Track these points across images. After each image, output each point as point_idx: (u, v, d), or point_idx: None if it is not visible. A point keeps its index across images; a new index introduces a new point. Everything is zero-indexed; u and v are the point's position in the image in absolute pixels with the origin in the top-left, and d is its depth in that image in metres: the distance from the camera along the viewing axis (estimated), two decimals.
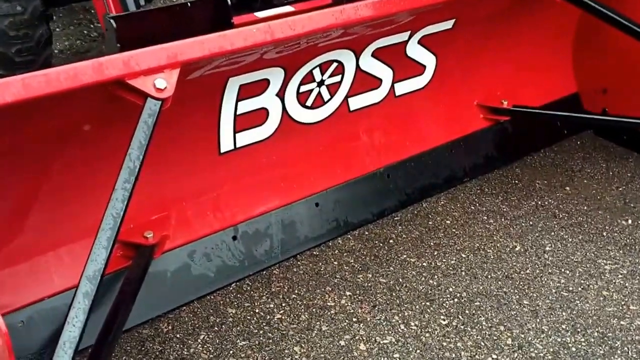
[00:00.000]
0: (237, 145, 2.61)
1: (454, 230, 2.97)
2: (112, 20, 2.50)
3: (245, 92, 2.51)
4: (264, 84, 2.55)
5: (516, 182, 3.32)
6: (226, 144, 2.58)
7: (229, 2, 2.75)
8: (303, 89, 2.69)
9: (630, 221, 3.04)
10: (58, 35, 4.82)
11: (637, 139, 3.53)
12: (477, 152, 3.35)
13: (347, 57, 2.73)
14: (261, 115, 2.64)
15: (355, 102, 2.91)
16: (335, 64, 2.72)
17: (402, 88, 3.04)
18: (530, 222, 3.02)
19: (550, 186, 3.28)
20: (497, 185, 3.29)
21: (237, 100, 2.52)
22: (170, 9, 2.66)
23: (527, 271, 2.74)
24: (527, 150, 3.54)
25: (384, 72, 2.93)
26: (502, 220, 3.04)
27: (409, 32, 2.85)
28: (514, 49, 3.35)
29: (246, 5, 3.61)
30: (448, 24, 2.97)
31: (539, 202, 3.16)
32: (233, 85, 2.45)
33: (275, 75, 2.55)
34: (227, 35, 2.11)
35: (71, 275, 2.25)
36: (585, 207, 3.12)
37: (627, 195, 3.22)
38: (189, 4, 2.66)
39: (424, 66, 3.07)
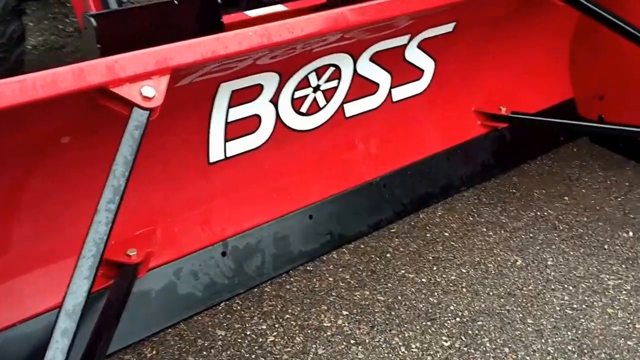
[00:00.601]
0: (228, 155, 2.44)
1: (452, 243, 2.83)
2: (92, 19, 2.31)
3: (238, 98, 2.34)
4: (257, 90, 2.39)
5: (514, 191, 3.20)
6: (216, 153, 2.41)
7: (219, 0, 2.58)
8: (298, 94, 2.53)
9: (631, 233, 2.94)
10: (31, 30, 4.60)
11: (635, 147, 3.44)
12: (475, 160, 3.22)
13: (344, 62, 2.57)
14: (253, 122, 2.47)
15: (352, 108, 2.76)
16: (332, 69, 2.56)
17: (399, 93, 2.89)
18: (531, 235, 2.89)
19: (549, 196, 3.16)
20: (495, 194, 3.16)
21: (229, 107, 2.34)
22: (155, 7, 2.48)
23: (530, 287, 2.62)
24: (524, 157, 3.42)
25: (382, 77, 2.77)
26: (502, 232, 2.91)
27: (409, 36, 2.70)
28: (512, 53, 3.23)
29: (236, 3, 3.44)
30: (449, 27, 2.83)
31: (538, 213, 3.04)
32: (225, 91, 2.28)
33: (270, 81, 2.38)
34: (222, 38, 1.93)
35: (47, 299, 2.08)
36: (585, 219, 3.01)
37: (627, 206, 3.12)
38: (175, 1, 2.48)
39: (422, 71, 2.92)
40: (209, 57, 1.91)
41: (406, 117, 2.98)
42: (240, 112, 2.39)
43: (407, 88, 2.92)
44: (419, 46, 2.81)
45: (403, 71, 2.84)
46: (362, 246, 2.79)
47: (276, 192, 2.62)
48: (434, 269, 2.68)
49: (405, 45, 2.75)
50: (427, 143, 3.07)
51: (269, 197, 2.60)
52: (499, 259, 2.75)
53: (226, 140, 2.42)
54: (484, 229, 2.92)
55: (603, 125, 3.30)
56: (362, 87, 2.73)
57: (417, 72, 2.91)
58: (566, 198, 3.15)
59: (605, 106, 3.47)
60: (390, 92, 2.85)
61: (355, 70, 2.66)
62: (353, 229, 2.81)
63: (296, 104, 2.55)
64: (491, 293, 2.58)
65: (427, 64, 2.92)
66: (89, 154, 1.97)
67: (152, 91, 1.78)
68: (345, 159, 2.81)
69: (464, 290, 2.59)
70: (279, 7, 3.01)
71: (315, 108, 2.63)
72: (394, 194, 2.93)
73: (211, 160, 2.41)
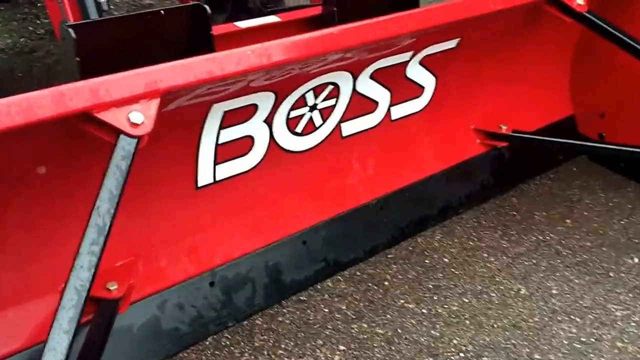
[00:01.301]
0: (217, 178, 2.27)
1: (452, 269, 2.69)
2: (70, 30, 2.12)
3: (230, 119, 2.17)
4: (251, 110, 2.22)
5: (514, 213, 3.07)
6: (204, 177, 2.24)
7: (208, 10, 2.40)
8: (293, 114, 2.36)
9: (636, 259, 2.82)
10: None
11: (636, 167, 3.33)
12: (474, 180, 3.09)
13: (344, 80, 2.41)
14: (246, 143, 2.30)
15: (349, 128, 2.60)
16: (330, 87, 2.40)
17: (398, 111, 2.74)
18: (533, 261, 2.76)
19: (550, 219, 3.04)
20: (495, 217, 3.03)
21: (220, 128, 2.17)
22: (139, 18, 2.29)
23: (535, 318, 2.48)
24: (523, 177, 3.29)
25: (381, 95, 2.62)
26: (504, 258, 2.77)
27: (412, 52, 2.55)
28: (514, 69, 3.09)
29: (224, 11, 3.26)
30: (452, 43, 2.69)
31: (540, 237, 2.91)
32: (216, 112, 2.11)
33: (265, 100, 2.22)
34: (217, 58, 1.77)
35: (22, 337, 1.90)
36: (589, 243, 2.88)
37: (630, 230, 3.00)
38: (162, 11, 2.30)
39: (423, 88, 2.78)
40: (204, 78, 1.74)
41: (405, 136, 2.83)
42: (232, 133, 2.22)
43: (407, 106, 2.77)
44: (421, 62, 2.67)
45: (403, 88, 2.69)
46: (358, 273, 2.64)
47: (268, 217, 2.45)
48: (435, 298, 2.54)
49: (407, 62, 2.60)
50: (426, 163, 2.92)
51: (261, 222, 2.43)
52: (501, 287, 2.61)
53: (216, 163, 2.24)
54: (485, 255, 2.78)
55: (605, 145, 3.18)
56: (360, 105, 2.57)
57: (417, 90, 2.77)
58: (568, 221, 3.02)
59: (606, 124, 3.36)
60: (389, 110, 2.70)
61: (354, 88, 2.50)
62: (349, 255, 2.66)
63: (291, 123, 2.39)
64: (495, 325, 2.44)
65: (427, 81, 2.77)
66: (70, 186, 1.79)
67: (141, 117, 1.61)
68: (340, 180, 2.66)
69: (467, 322, 2.45)
70: (271, 19, 2.85)
71: (311, 128, 2.47)
72: (391, 217, 2.78)
73: (199, 184, 2.24)
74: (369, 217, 2.72)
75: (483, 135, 3.10)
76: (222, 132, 2.19)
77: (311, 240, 2.54)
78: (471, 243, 2.85)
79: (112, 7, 5.15)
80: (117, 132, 1.59)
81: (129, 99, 1.61)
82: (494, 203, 3.12)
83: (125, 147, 1.57)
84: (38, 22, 4.64)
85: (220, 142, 2.21)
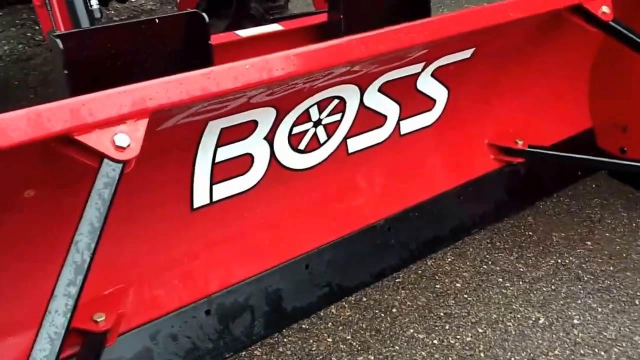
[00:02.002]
0: (214, 199, 2.11)
1: (465, 296, 2.52)
2: (58, 40, 1.97)
3: (228, 136, 2.01)
4: (251, 127, 2.06)
5: (530, 234, 2.90)
6: (200, 198, 2.08)
7: (206, 19, 2.24)
8: (296, 130, 2.20)
9: None
10: None
11: None
12: (487, 198, 2.92)
13: (350, 93, 2.26)
14: (245, 162, 2.14)
15: (355, 143, 2.44)
16: (336, 101, 2.24)
17: (408, 126, 2.58)
18: (552, 287, 2.59)
19: (569, 240, 2.86)
20: (510, 237, 2.86)
21: (217, 146, 2.02)
22: (133, 27, 2.14)
23: (556, 352, 2.31)
24: (539, 195, 3.12)
25: (390, 108, 2.46)
26: (520, 283, 2.60)
27: (423, 64, 2.39)
28: (530, 80, 2.93)
29: (223, 17, 3.11)
30: (466, 54, 2.52)
31: (559, 261, 2.74)
32: (213, 130, 1.95)
33: (265, 116, 2.06)
34: (213, 73, 1.61)
35: None
36: (611, 268, 2.71)
37: None
38: (156, 20, 2.14)
39: (434, 101, 2.62)
40: (198, 95, 1.58)
41: (414, 152, 2.67)
42: (230, 151, 2.07)
43: (417, 120, 2.61)
44: (433, 74, 2.51)
45: (414, 101, 2.53)
46: (364, 299, 2.47)
47: (268, 239, 2.29)
48: (447, 327, 2.37)
49: (418, 74, 2.44)
50: (436, 180, 2.76)
51: (260, 245, 2.27)
52: (519, 316, 2.44)
53: (212, 183, 2.09)
54: (500, 280, 2.62)
55: (630, 162, 3.01)
56: (368, 119, 2.41)
57: (428, 103, 2.61)
58: (588, 243, 2.85)
59: (628, 138, 3.18)
60: (398, 124, 2.54)
61: (361, 102, 2.34)
62: (354, 280, 2.49)
63: (294, 140, 2.23)
64: (513, 359, 2.27)
65: (439, 94, 2.61)
66: (50, 215, 1.64)
67: (127, 139, 1.45)
68: (346, 200, 2.49)
69: (482, 355, 2.28)
70: (274, 27, 2.69)
71: (315, 144, 2.31)
72: (399, 239, 2.62)
73: (195, 206, 2.08)
74: (376, 239, 2.55)
75: (497, 151, 2.94)
76: (219, 150, 2.03)
77: (314, 264, 2.38)
78: (485, 266, 2.68)
79: (112, 11, 5.02)
80: (100, 156, 1.43)
81: (114, 120, 1.45)
82: (509, 222, 2.95)
83: (108, 173, 1.41)
84: (37, 27, 4.49)
85: (217, 160, 2.05)
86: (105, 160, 1.43)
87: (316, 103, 2.18)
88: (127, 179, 1.69)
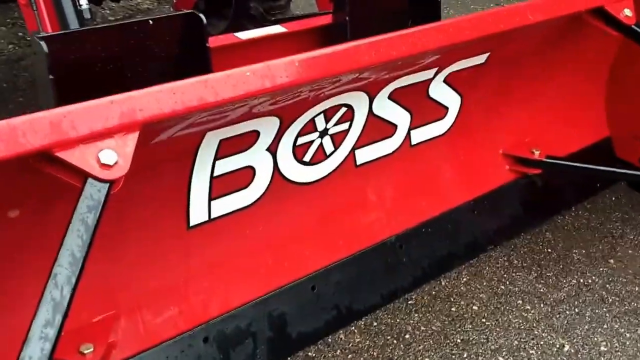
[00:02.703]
0: (213, 216, 1.94)
1: (483, 320, 2.35)
2: (42, 42, 1.80)
3: (227, 147, 1.84)
4: (252, 137, 1.89)
5: (549, 251, 2.73)
6: (198, 215, 1.91)
7: (204, 20, 2.08)
8: (301, 140, 2.04)
9: None
10: None
11: None
12: (503, 212, 2.75)
13: (359, 101, 2.09)
14: (246, 175, 1.97)
15: (364, 155, 2.27)
16: (343, 110, 2.07)
17: (419, 135, 2.41)
18: (576, 309, 2.41)
19: (591, 258, 2.69)
20: (527, 255, 2.69)
21: (216, 159, 1.85)
22: (125, 28, 1.98)
23: None
24: (557, 208, 2.95)
25: (401, 117, 2.30)
26: (541, 305, 2.43)
27: (436, 69, 2.23)
28: (545, 86, 2.77)
29: (223, 17, 2.95)
30: (481, 59, 2.36)
31: (581, 280, 2.57)
32: (211, 141, 1.78)
33: (268, 126, 1.89)
34: (210, 81, 1.44)
35: None
36: (637, 288, 2.53)
37: None
38: (150, 21, 1.98)
39: (447, 108, 2.45)
40: (193, 106, 1.41)
41: (426, 163, 2.50)
42: (229, 164, 1.90)
43: (429, 129, 2.44)
44: (446, 80, 2.34)
45: (425, 109, 2.37)
46: (375, 324, 2.30)
47: (271, 259, 2.12)
48: (464, 356, 2.19)
49: (430, 80, 2.27)
50: (450, 193, 2.58)
51: (263, 266, 2.10)
52: (541, 342, 2.26)
53: (211, 199, 1.91)
54: (520, 302, 2.44)
55: None
56: (377, 129, 2.24)
57: (440, 110, 2.44)
58: (611, 261, 2.68)
59: None
60: (409, 133, 2.37)
61: (370, 110, 2.17)
62: (364, 302, 2.32)
63: (298, 151, 2.06)
64: None
65: (452, 101, 2.45)
66: (32, 235, 1.46)
67: (114, 156, 1.28)
68: (354, 215, 2.32)
69: None
70: (275, 29, 2.53)
71: (321, 156, 2.14)
72: (411, 256, 2.44)
73: (192, 224, 1.91)
74: (387, 257, 2.38)
75: (513, 161, 2.77)
76: (218, 163, 1.86)
77: (321, 285, 2.20)
78: (503, 287, 2.51)
79: (107, 11, 4.85)
80: (83, 175, 1.26)
81: (99, 134, 1.28)
82: (526, 238, 2.78)
83: (93, 194, 1.24)
84: None
85: (215, 174, 1.88)
86: (90, 180, 1.26)
87: (322, 112, 2.01)
88: (116, 194, 1.52)
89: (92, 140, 1.27)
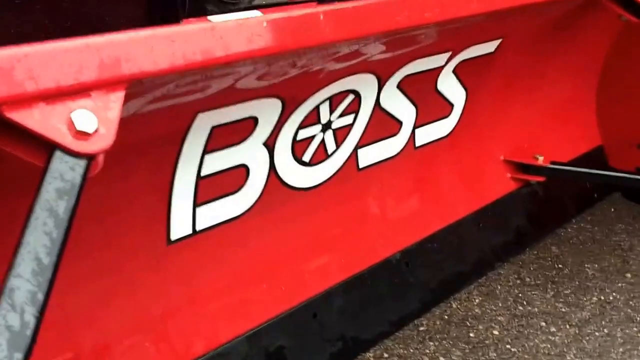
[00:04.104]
0: (198, 227, 1.55)
1: (508, 346, 2.01)
2: None
3: (220, 137, 1.46)
4: (249, 126, 1.52)
5: (560, 266, 2.44)
6: (180, 226, 1.51)
7: None
8: (302, 134, 1.68)
9: None
10: None
11: None
12: (508, 225, 2.46)
13: (367, 87, 1.76)
14: (237, 176, 1.59)
15: (367, 156, 1.93)
16: (350, 98, 1.73)
17: (423, 135, 2.10)
18: (605, 330, 2.12)
19: (605, 272, 2.42)
20: (539, 272, 2.39)
21: (204, 152, 1.46)
22: None
23: None
24: (558, 220, 2.69)
25: (406, 112, 1.98)
26: (567, 327, 2.12)
27: (449, 54, 1.93)
28: (554, 84, 2.53)
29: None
30: (492, 46, 2.08)
31: (602, 297, 2.28)
32: (202, 126, 1.40)
33: (268, 112, 1.53)
34: (218, 29, 1.07)
35: None
36: None
37: None
38: None
39: (452, 105, 2.15)
40: (197, 61, 1.03)
41: (430, 169, 2.19)
42: (220, 160, 1.52)
43: (433, 128, 2.14)
44: (455, 71, 2.05)
45: (431, 104, 2.06)
46: (385, 355, 1.93)
47: (266, 281, 1.73)
48: None
49: (441, 69, 1.97)
50: (454, 203, 2.28)
51: (257, 290, 1.71)
52: None
53: (196, 205, 1.52)
54: (543, 323, 2.13)
55: None
56: (381, 125, 1.92)
57: (445, 107, 2.14)
58: (628, 275, 2.41)
59: None
60: (413, 133, 2.06)
61: (377, 101, 1.85)
62: (372, 330, 1.95)
63: (298, 148, 1.70)
64: None
65: (457, 95, 2.15)
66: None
67: (93, 120, 0.89)
68: (356, 228, 1.97)
69: None
70: (253, 13, 2.17)
71: (322, 155, 1.78)
72: (417, 276, 2.11)
73: (173, 237, 1.51)
74: (393, 277, 2.03)
75: (514, 168, 2.50)
76: (207, 158, 1.48)
77: (323, 312, 1.83)
78: (521, 308, 2.19)
79: None
80: (49, 147, 0.86)
81: (70, 89, 0.89)
82: (532, 254, 2.49)
83: (64, 174, 0.85)
84: None
85: (203, 173, 1.49)
86: (58, 153, 0.86)
87: (328, 98, 1.67)
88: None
89: (60, 98, 0.88)
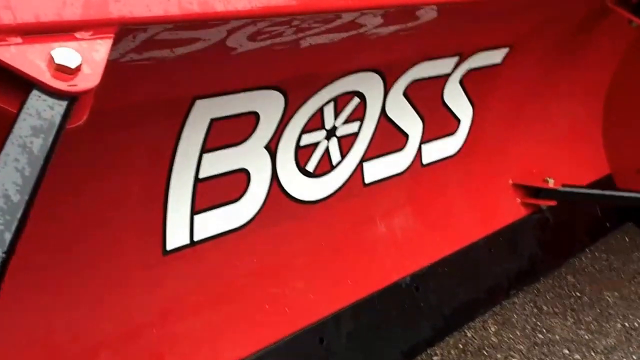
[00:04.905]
0: (196, 237, 1.41)
1: None
2: None
3: (219, 133, 1.34)
4: (250, 123, 1.41)
5: (578, 294, 2.30)
6: (177, 235, 1.37)
7: None
8: (306, 140, 1.56)
9: None
10: None
11: None
12: (520, 252, 2.33)
13: (373, 89, 1.66)
14: (238, 182, 1.47)
15: (373, 170, 1.82)
16: (356, 101, 1.63)
17: (431, 152, 1.99)
18: (634, 356, 1.97)
19: (626, 299, 2.28)
20: (556, 300, 2.25)
21: (204, 150, 1.34)
22: None
23: None
24: (572, 249, 2.56)
25: (413, 124, 1.88)
26: (592, 354, 1.96)
27: (456, 59, 1.84)
28: (564, 102, 2.46)
29: None
30: (499, 55, 2.00)
31: (626, 324, 2.14)
32: (200, 116, 1.28)
33: (269, 107, 1.41)
34: None
35: None
36: None
37: None
38: None
39: (458, 120, 2.06)
40: (195, 12, 0.93)
41: (438, 188, 2.07)
42: (220, 161, 1.39)
43: (440, 145, 2.03)
44: (462, 81, 1.96)
45: (437, 117, 1.96)
46: None
47: (270, 302, 1.58)
48: None
49: (447, 77, 1.88)
50: (464, 227, 2.15)
51: (259, 310, 1.55)
52: None
53: (194, 211, 1.39)
54: (566, 351, 1.97)
55: None
56: (387, 137, 1.81)
57: (452, 122, 2.04)
58: None
59: None
60: (420, 149, 1.95)
61: (383, 109, 1.74)
62: (382, 359, 1.78)
63: (302, 156, 1.58)
64: None
65: (464, 111, 2.06)
66: None
67: (76, 57, 0.77)
68: (364, 248, 1.83)
69: None
70: None
71: (326, 166, 1.67)
72: (429, 302, 1.96)
73: (169, 247, 1.37)
74: (403, 302, 1.88)
75: (524, 192, 2.38)
76: (206, 157, 1.35)
77: (331, 338, 1.67)
78: (541, 336, 2.04)
79: None
80: (25, 85, 0.74)
81: (54, 25, 0.78)
82: (548, 283, 2.36)
83: (42, 112, 0.72)
84: None
85: (202, 174, 1.37)
86: (36, 92, 0.74)
87: (333, 99, 1.56)
88: (54, 197, 1.04)
89: (40, 36, 0.77)
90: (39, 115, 0.72)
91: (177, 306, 1.41)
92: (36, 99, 0.73)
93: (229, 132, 1.37)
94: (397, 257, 1.91)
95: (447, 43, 1.72)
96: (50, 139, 0.71)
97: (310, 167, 1.62)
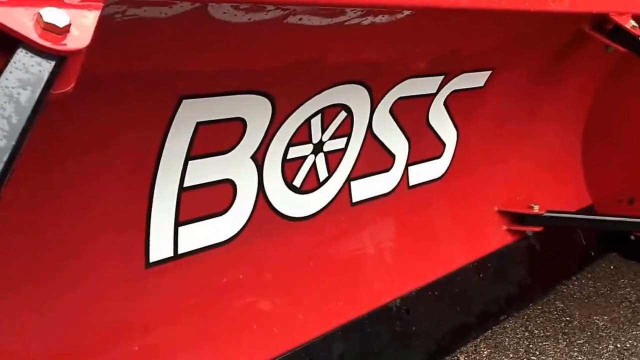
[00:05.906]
0: (181, 250, 1.35)
1: None
2: None
3: (205, 139, 1.31)
4: (236, 130, 1.38)
5: (568, 319, 2.26)
6: (161, 246, 1.32)
7: None
8: (293, 153, 1.54)
9: None
10: None
11: None
12: (508, 277, 2.29)
13: (359, 103, 1.64)
14: (224, 193, 1.43)
15: (360, 189, 1.79)
16: (343, 115, 1.61)
17: (417, 174, 1.98)
18: None
19: (617, 322, 2.25)
20: (547, 324, 2.21)
21: (188, 157, 1.30)
22: None
23: None
24: (559, 276, 2.53)
25: (399, 143, 1.87)
26: None
27: (441, 78, 1.84)
28: (547, 125, 2.47)
29: None
30: (482, 78, 2.01)
31: (618, 345, 2.10)
32: (186, 119, 1.25)
33: (256, 113, 1.39)
34: None
35: None
36: None
37: None
38: None
39: (444, 144, 2.05)
40: None
41: (425, 211, 2.05)
42: (205, 169, 1.35)
43: (426, 168, 2.02)
44: (445, 102, 1.96)
45: (423, 139, 1.95)
46: None
47: (257, 321, 1.51)
48: None
49: (433, 97, 1.88)
50: (453, 251, 2.12)
51: (247, 329, 1.49)
52: None
53: (179, 222, 1.34)
54: None
55: None
56: (374, 155, 1.79)
57: (438, 145, 2.03)
58: None
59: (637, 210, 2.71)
60: (406, 170, 1.93)
61: (370, 126, 1.73)
62: None
63: (288, 170, 1.55)
64: None
65: (449, 134, 2.06)
66: None
67: (64, 17, 0.74)
68: (353, 268, 1.79)
69: None
70: None
71: (313, 182, 1.64)
72: (421, 325, 1.90)
73: (152, 259, 1.31)
74: (394, 325, 1.83)
75: (509, 219, 2.37)
76: (192, 165, 1.31)
77: (321, 358, 1.60)
78: (534, 358, 1.99)
79: None
80: (12, 41, 0.71)
81: None
82: (537, 309, 2.31)
83: (29, 67, 0.69)
84: None
85: (187, 183, 1.32)
86: (22, 50, 0.70)
87: (320, 111, 1.54)
88: (33, 208, 1.00)
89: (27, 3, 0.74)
90: (27, 69, 0.69)
91: (159, 322, 1.34)
92: (23, 55, 0.70)
93: (215, 138, 1.33)
94: (387, 279, 1.87)
95: (431, 63, 1.72)
96: (38, 92, 0.67)
97: (297, 182, 1.59)
